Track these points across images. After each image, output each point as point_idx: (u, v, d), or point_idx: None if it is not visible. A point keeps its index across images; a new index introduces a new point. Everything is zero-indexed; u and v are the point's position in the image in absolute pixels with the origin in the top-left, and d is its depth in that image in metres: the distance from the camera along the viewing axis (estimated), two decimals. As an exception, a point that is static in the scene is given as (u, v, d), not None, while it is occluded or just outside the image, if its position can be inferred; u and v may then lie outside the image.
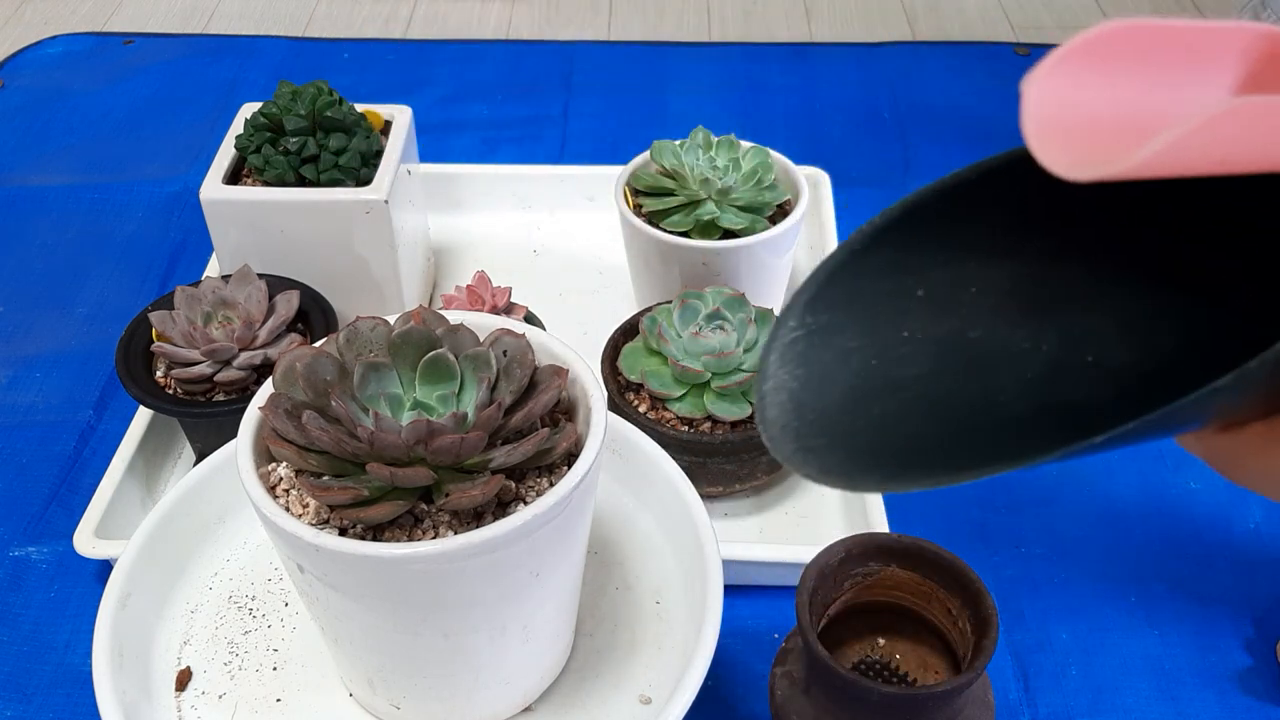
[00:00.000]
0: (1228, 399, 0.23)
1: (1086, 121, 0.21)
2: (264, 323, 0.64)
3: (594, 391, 0.45)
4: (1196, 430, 0.27)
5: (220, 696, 0.49)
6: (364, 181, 0.68)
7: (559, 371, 0.45)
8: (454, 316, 0.46)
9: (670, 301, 0.65)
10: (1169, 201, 0.26)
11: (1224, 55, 0.22)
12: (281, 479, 0.43)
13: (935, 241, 0.29)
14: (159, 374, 0.64)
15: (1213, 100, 0.22)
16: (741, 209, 0.69)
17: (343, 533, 0.41)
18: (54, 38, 1.13)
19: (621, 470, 0.56)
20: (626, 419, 0.57)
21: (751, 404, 0.61)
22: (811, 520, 0.65)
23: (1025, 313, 0.30)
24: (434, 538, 0.41)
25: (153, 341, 0.63)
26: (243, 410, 0.44)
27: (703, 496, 0.52)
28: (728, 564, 0.51)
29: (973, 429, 0.29)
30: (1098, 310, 0.30)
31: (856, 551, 0.48)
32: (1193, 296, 0.29)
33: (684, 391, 0.61)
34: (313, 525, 0.41)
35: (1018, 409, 0.29)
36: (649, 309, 0.65)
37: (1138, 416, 0.22)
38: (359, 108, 0.71)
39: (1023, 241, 0.23)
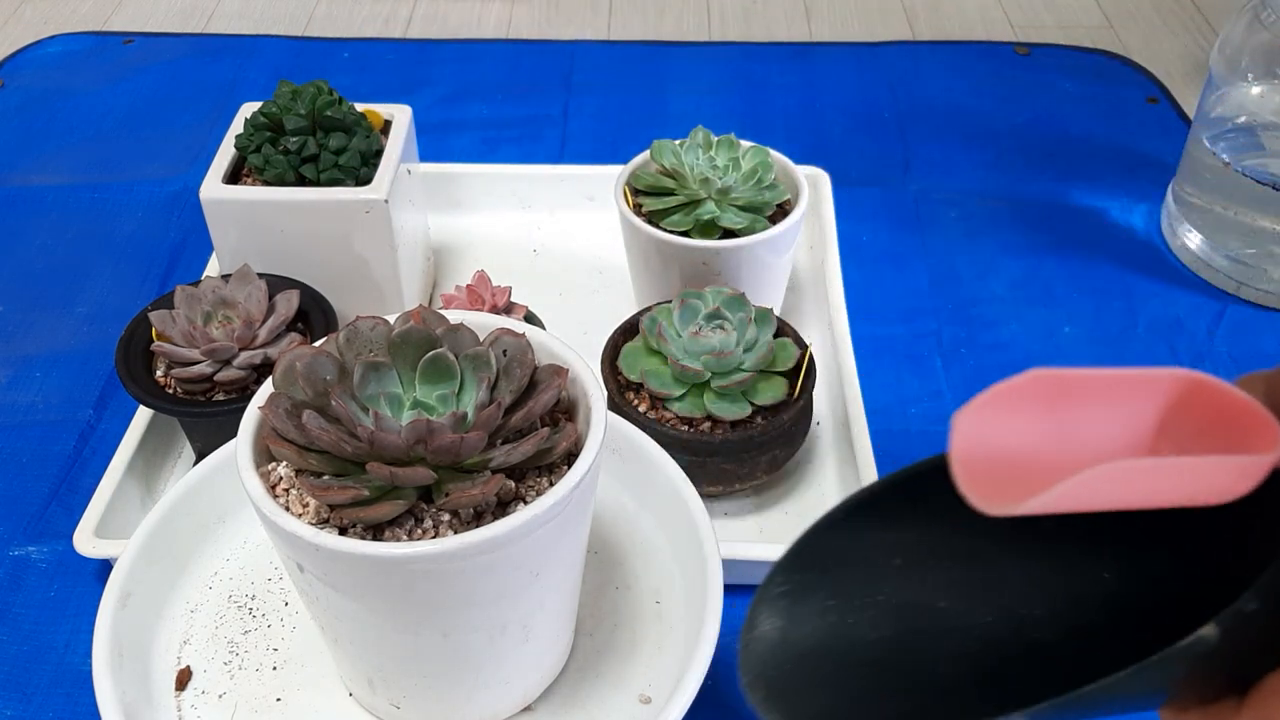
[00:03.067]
0: (1127, 691, 0.25)
1: (1005, 458, 0.25)
2: (264, 322, 0.64)
3: (594, 391, 0.44)
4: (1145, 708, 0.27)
5: (220, 696, 0.49)
6: (364, 181, 0.68)
7: (559, 371, 0.45)
8: (454, 316, 0.46)
9: (670, 301, 0.65)
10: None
11: (1140, 397, 0.25)
12: (281, 478, 0.43)
13: (912, 516, 0.31)
14: (159, 373, 0.64)
15: (1115, 445, 0.25)
16: (741, 209, 0.69)
17: (343, 532, 0.41)
18: (54, 37, 1.13)
19: (621, 470, 0.56)
20: (626, 419, 0.57)
21: (752, 404, 0.61)
22: (811, 520, 0.65)
23: (986, 585, 0.32)
24: (434, 537, 0.41)
25: (153, 341, 0.63)
26: (243, 410, 0.44)
27: (703, 496, 0.52)
28: (728, 564, 0.51)
29: (921, 698, 0.31)
30: (1047, 588, 0.32)
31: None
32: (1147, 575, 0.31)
33: (684, 391, 0.61)
34: (313, 525, 0.41)
35: (965, 683, 0.31)
36: (649, 309, 0.65)
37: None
38: (359, 107, 0.71)
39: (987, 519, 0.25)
